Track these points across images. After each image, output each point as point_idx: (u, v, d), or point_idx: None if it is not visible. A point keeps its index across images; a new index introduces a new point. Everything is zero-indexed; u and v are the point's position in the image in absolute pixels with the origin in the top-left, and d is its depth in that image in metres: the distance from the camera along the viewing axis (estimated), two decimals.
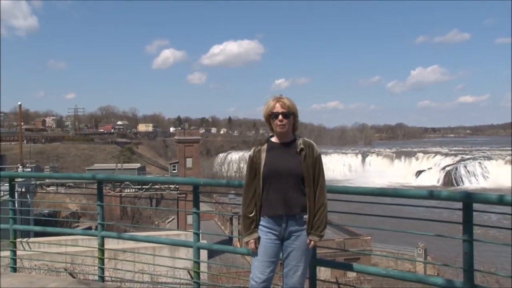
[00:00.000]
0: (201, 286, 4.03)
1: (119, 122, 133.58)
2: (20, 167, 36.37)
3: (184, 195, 37.64)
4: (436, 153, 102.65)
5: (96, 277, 4.58)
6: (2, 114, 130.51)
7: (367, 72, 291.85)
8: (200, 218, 4.04)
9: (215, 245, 4.55)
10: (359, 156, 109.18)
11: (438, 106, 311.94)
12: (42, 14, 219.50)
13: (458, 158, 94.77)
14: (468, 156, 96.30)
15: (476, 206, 2.88)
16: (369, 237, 34.43)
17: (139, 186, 46.05)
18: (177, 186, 41.61)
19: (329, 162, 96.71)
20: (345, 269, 3.59)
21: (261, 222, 2.85)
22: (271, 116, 2.86)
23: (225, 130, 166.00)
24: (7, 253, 5.14)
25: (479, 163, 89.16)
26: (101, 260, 4.51)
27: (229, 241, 36.90)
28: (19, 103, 52.81)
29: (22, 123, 59.15)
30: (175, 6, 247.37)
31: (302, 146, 2.83)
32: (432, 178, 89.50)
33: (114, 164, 64.59)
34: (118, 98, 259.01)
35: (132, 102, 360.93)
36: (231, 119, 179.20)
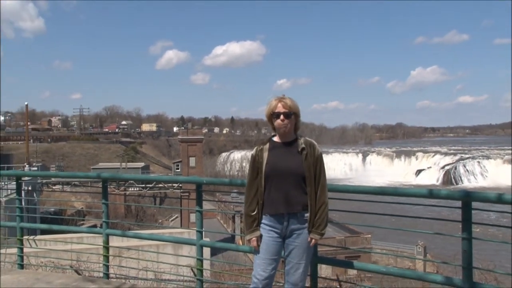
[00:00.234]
0: (204, 284, 4.07)
1: (123, 122, 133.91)
2: (27, 166, 36.71)
3: (187, 194, 37.81)
4: (436, 152, 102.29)
5: (101, 274, 4.64)
6: (9, 114, 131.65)
7: (367, 72, 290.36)
8: (203, 216, 4.08)
9: (218, 243, 4.58)
10: (360, 155, 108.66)
11: (437, 106, 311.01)
12: (48, 15, 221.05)
13: (457, 158, 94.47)
14: (467, 156, 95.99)
15: (475, 204, 2.90)
16: (370, 235, 34.37)
17: (143, 185, 46.25)
18: (180, 185, 41.72)
19: (330, 161, 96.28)
20: (345, 266, 3.61)
21: (263, 220, 2.87)
22: (273, 116, 2.88)
23: (227, 129, 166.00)
24: (14, 250, 5.23)
25: (478, 162, 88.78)
26: (106, 258, 4.55)
27: (231, 239, 36.99)
28: (25, 103, 53.10)
29: (28, 123, 59.56)
30: (179, 8, 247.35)
31: (303, 145, 2.85)
32: (432, 177, 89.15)
33: (119, 163, 64.82)
34: (122, 98, 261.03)
35: (136, 102, 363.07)
36: (233, 118, 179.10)
